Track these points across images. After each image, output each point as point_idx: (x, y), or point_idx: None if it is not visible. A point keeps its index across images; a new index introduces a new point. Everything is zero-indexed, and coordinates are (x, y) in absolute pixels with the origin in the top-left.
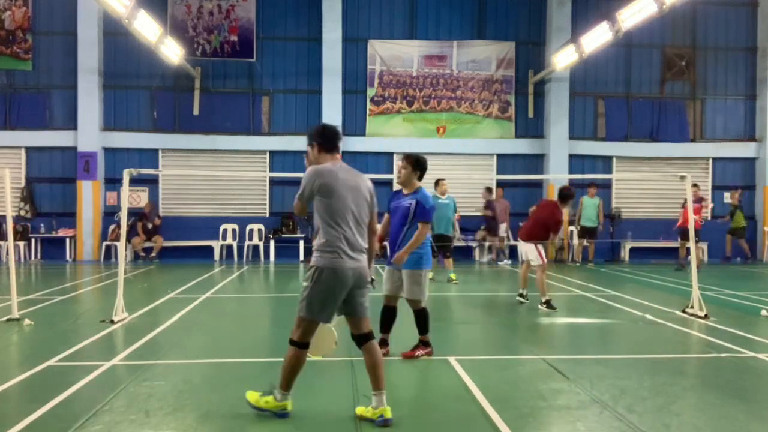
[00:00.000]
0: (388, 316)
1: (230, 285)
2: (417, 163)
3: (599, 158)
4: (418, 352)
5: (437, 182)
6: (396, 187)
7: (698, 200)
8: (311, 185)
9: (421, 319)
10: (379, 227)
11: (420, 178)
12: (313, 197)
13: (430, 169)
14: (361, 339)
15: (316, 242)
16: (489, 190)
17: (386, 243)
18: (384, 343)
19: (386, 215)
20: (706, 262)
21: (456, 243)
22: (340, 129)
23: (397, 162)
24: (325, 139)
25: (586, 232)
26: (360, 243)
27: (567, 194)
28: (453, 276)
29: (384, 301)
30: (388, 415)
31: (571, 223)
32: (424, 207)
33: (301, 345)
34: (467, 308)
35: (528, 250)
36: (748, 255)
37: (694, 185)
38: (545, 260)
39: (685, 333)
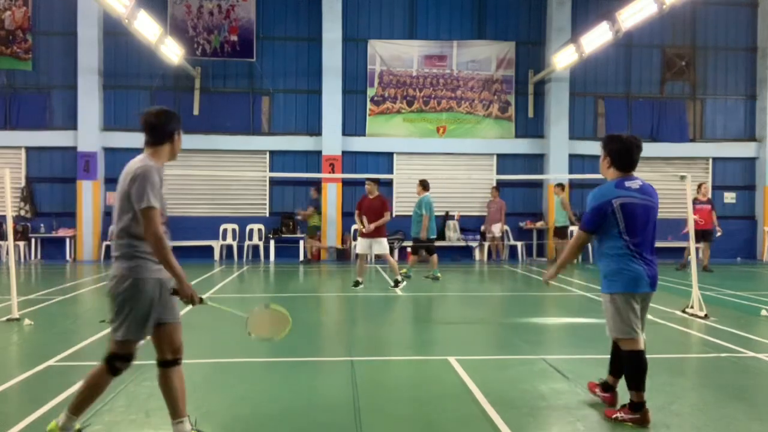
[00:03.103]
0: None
1: (230, 285)
2: (605, 145)
3: (599, 158)
4: (617, 415)
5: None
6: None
7: (708, 201)
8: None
9: (627, 366)
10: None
11: (618, 167)
12: None
13: (429, 170)
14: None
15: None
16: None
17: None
18: (607, 387)
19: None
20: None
21: (456, 243)
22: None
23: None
24: None
25: (557, 232)
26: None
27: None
28: (439, 273)
29: None
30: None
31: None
32: (585, 211)
33: None
34: (467, 308)
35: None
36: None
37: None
38: None
39: (685, 333)
